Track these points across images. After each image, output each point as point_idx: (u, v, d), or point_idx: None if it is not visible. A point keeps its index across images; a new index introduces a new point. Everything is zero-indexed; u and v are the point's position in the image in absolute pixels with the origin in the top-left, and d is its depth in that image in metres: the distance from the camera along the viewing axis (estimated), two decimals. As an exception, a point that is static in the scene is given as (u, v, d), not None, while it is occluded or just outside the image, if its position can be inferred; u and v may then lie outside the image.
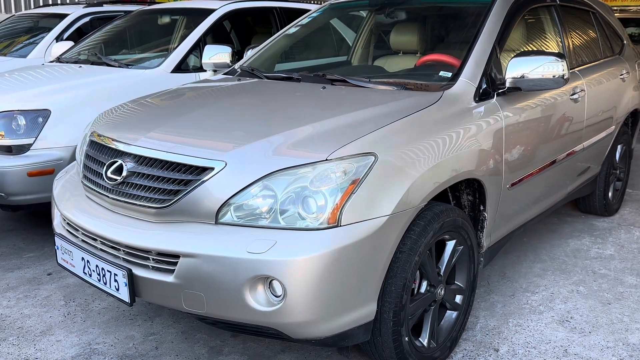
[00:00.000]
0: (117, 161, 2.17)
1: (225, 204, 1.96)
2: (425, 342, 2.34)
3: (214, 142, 2.13)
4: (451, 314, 2.52)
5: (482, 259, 2.72)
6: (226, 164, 1.99)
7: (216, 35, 4.89)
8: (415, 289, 2.30)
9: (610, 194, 4.24)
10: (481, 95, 2.58)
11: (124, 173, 2.12)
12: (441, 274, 2.37)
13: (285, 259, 1.82)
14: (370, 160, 1.99)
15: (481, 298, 3.05)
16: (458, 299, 2.53)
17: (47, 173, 3.42)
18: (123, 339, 2.70)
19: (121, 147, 2.23)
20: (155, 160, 2.09)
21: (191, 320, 2.83)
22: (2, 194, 3.39)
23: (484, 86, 2.61)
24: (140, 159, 2.14)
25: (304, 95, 2.61)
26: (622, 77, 4.04)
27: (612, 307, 2.96)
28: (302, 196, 1.93)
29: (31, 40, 6.16)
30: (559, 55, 2.60)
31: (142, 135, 2.24)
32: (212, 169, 1.99)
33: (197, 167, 2.01)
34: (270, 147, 2.05)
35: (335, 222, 1.89)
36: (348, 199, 1.92)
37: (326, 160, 1.96)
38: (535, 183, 2.98)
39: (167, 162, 2.06)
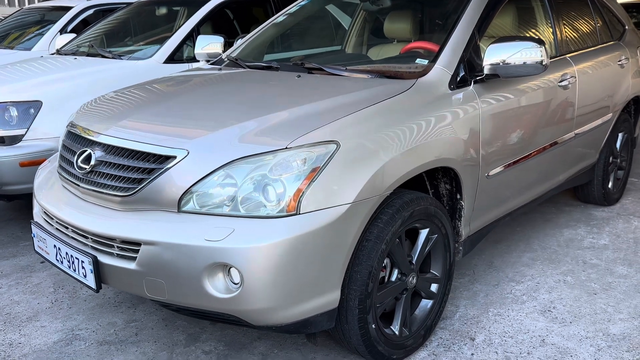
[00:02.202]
0: (86, 150, 2.21)
1: (187, 192, 1.98)
2: (396, 330, 2.34)
3: (179, 130, 2.15)
4: (426, 303, 2.51)
5: (460, 248, 2.70)
6: (188, 153, 2.01)
7: (218, 24, 4.89)
8: (386, 277, 2.29)
9: (610, 183, 4.16)
10: (458, 83, 2.54)
11: (92, 162, 2.15)
12: (413, 262, 2.36)
13: (241, 246, 1.84)
14: (331, 148, 1.98)
15: (464, 287, 3.03)
16: (433, 287, 2.52)
17: (38, 163, 3.45)
18: (105, 325, 2.75)
19: (92, 136, 2.26)
20: (122, 149, 2.12)
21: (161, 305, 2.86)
22: (-4, 184, 3.48)
23: (462, 73, 2.57)
24: (108, 148, 2.17)
25: (277, 84, 2.61)
26: (620, 63, 3.94)
27: (598, 298, 2.91)
28: (263, 184, 1.94)
29: (36, 33, 6.26)
30: (538, 41, 2.55)
31: (112, 124, 2.26)
32: (175, 157, 2.01)
33: (160, 156, 2.03)
34: (233, 136, 2.06)
35: (294, 210, 1.90)
36: (308, 187, 1.92)
37: (286, 148, 1.96)
38: (518, 172, 2.94)
39: (132, 150, 2.09)
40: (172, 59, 4.24)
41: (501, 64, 2.54)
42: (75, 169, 2.22)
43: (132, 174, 2.06)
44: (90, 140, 2.26)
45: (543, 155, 3.11)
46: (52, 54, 4.89)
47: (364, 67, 2.68)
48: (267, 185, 1.93)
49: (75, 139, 2.37)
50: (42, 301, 2.99)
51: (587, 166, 3.83)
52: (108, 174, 2.11)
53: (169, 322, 2.76)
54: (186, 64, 4.29)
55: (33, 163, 3.47)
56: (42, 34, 6.17)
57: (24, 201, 4.31)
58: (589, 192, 4.13)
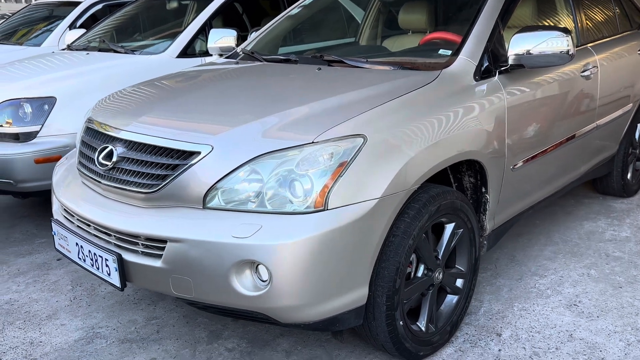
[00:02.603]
0: (107, 146, 2.17)
1: (212, 188, 1.94)
2: (422, 326, 2.30)
3: (202, 125, 2.11)
4: (452, 298, 2.47)
5: (485, 242, 2.65)
6: (213, 148, 1.97)
7: (228, 18, 4.85)
8: (412, 273, 2.26)
9: (629, 175, 4.10)
10: (482, 74, 2.49)
11: (114, 158, 2.12)
12: (439, 257, 2.32)
13: (269, 243, 1.80)
14: (359, 142, 1.94)
15: (487, 282, 2.98)
16: (459, 282, 2.48)
17: (54, 160, 3.45)
18: (126, 322, 2.72)
19: (112, 132, 2.22)
20: (144, 145, 2.08)
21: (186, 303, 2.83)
22: (11, 181, 3.45)
23: (486, 64, 2.52)
24: (130, 144, 2.13)
25: (298, 77, 2.56)
26: (640, 52, 3.87)
27: (624, 291, 2.86)
28: (289, 179, 1.90)
29: (45, 28, 6.23)
30: (564, 30, 2.49)
31: (133, 120, 2.23)
32: (199, 153, 1.97)
33: (184, 152, 2.00)
34: (257, 130, 2.02)
35: (322, 206, 1.86)
36: (335, 182, 1.87)
37: (313, 142, 1.92)
38: (542, 164, 2.89)
39: (155, 146, 2.05)
40: (185, 53, 4.20)
41: (526, 54, 2.48)
42: (96, 165, 2.19)
43: (155, 170, 2.02)
44: (111, 137, 2.22)
45: (566, 147, 3.06)
46: (63, 50, 4.86)
47: (386, 59, 2.63)
48: (293, 181, 1.89)
49: (95, 135, 2.33)
50: (60, 299, 2.97)
51: (606, 157, 3.77)
52: (131, 170, 2.08)
53: (190, 319, 2.73)
54: (199, 58, 4.25)
55: (48, 160, 3.44)
56: (50, 30, 6.14)
57: (37, 198, 4.31)
58: (607, 184, 4.07)
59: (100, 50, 4.40)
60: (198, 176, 1.96)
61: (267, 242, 1.80)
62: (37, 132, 3.47)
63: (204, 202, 1.96)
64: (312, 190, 1.86)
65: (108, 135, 2.24)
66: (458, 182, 2.59)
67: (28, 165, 3.42)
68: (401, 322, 2.14)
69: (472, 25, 2.59)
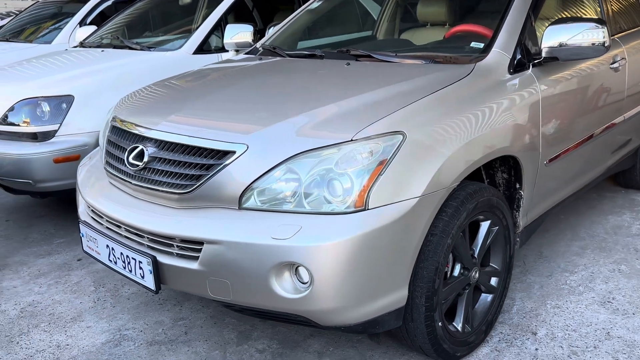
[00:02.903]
0: (138, 146, 2.12)
1: (248, 188, 1.89)
2: (459, 327, 2.25)
3: (235, 124, 2.05)
4: (486, 297, 2.42)
5: (518, 239, 2.60)
6: (248, 147, 1.92)
7: (238, 14, 4.79)
8: (448, 272, 2.21)
9: (652, 168, 4.03)
10: (515, 67, 2.43)
11: (146, 159, 2.07)
12: (475, 256, 2.27)
13: (311, 244, 1.75)
14: (398, 139, 1.89)
15: (517, 279, 2.93)
16: (493, 281, 2.43)
17: (72, 159, 3.41)
18: (152, 324, 2.68)
19: (142, 131, 2.17)
20: (176, 144, 2.03)
21: (220, 305, 2.79)
22: (30, 181, 3.41)
23: (519, 57, 2.46)
24: (161, 144, 2.08)
25: (327, 72, 2.50)
26: (665, 42, 3.79)
27: (657, 287, 2.81)
28: (327, 179, 1.84)
29: (55, 26, 6.17)
30: (599, 22, 2.43)
31: (162, 119, 2.18)
32: (234, 152, 1.92)
33: (218, 151, 1.95)
34: (293, 128, 1.96)
35: (362, 206, 1.81)
36: (375, 181, 1.82)
37: (352, 140, 1.86)
38: (573, 158, 2.83)
39: (188, 146, 2.00)
40: (201, 49, 4.14)
41: (561, 46, 2.42)
42: (126, 165, 2.14)
43: (189, 170, 1.97)
44: (140, 136, 2.17)
45: (596, 140, 3.00)
46: (75, 47, 4.80)
47: (416, 53, 2.57)
48: (332, 180, 1.84)
49: (123, 135, 2.28)
50: (84, 300, 2.93)
51: (631, 150, 3.71)
52: (163, 170, 2.03)
53: (217, 319, 2.69)
54: (215, 55, 4.19)
55: (67, 159, 3.40)
56: (60, 27, 6.09)
57: (54, 198, 4.27)
58: (630, 177, 4.01)
59: (115, 47, 4.34)
60: (233, 176, 1.91)
61: (308, 243, 1.75)
62: (56, 131, 3.43)
63: (239, 202, 1.91)
64: (352, 190, 1.81)
65: (137, 135, 2.19)
66: (490, 179, 2.54)
67: (47, 165, 3.38)
68: (440, 323, 2.10)
69: (504, 17, 2.53)
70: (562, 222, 3.62)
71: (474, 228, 2.29)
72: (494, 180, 2.53)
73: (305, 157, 1.87)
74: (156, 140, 2.10)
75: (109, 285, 3.07)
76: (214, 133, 2.00)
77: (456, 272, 2.21)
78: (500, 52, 2.40)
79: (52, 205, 4.32)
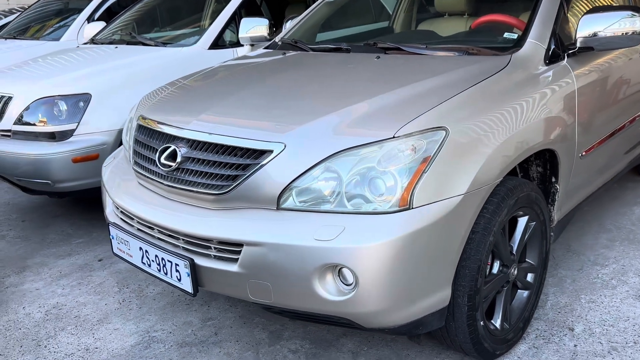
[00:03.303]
0: (170, 146, 2.07)
1: (287, 188, 1.84)
2: (498, 325, 2.21)
3: (270, 122, 2.00)
4: (522, 294, 2.38)
5: (552, 233, 2.55)
6: (285, 146, 1.87)
7: (247, 8, 4.72)
8: (487, 270, 2.16)
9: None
10: (551, 58, 2.37)
11: (179, 159, 2.02)
12: (514, 252, 2.22)
13: (356, 245, 1.70)
14: (441, 135, 1.83)
15: (548, 273, 2.88)
16: (529, 277, 2.38)
17: (91, 158, 3.37)
18: (181, 325, 2.65)
19: (172, 131, 2.12)
20: (211, 144, 1.98)
21: (248, 304, 2.76)
22: (49, 182, 3.36)
23: (553, 47, 2.40)
24: (194, 144, 2.03)
25: (357, 67, 2.44)
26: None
27: (692, 280, 2.77)
28: (369, 177, 1.79)
29: (62, 22, 6.10)
30: (635, 9, 2.37)
31: (193, 117, 2.12)
32: (271, 151, 1.87)
33: (255, 150, 1.89)
34: (330, 126, 1.91)
35: (406, 205, 1.76)
36: (419, 179, 1.77)
37: (393, 137, 1.81)
38: (606, 149, 2.78)
39: (222, 145, 1.95)
40: (216, 44, 4.07)
41: (596, 36, 2.36)
42: (157, 166, 2.09)
43: (225, 170, 1.92)
44: (171, 135, 2.11)
45: (627, 130, 2.95)
46: (86, 44, 4.74)
47: (448, 45, 2.50)
48: (374, 179, 1.79)
49: (152, 134, 2.23)
50: (109, 302, 2.89)
51: (656, 140, 3.65)
52: (197, 171, 1.98)
53: (246, 319, 2.65)
54: (230, 49, 4.13)
55: (86, 158, 3.36)
56: (67, 25, 6.01)
57: (70, 197, 4.23)
58: (653, 167, 3.96)
59: (128, 43, 4.27)
60: (271, 176, 1.86)
61: (353, 244, 1.70)
62: (74, 130, 3.37)
63: (278, 202, 1.86)
64: (396, 189, 1.76)
65: (167, 134, 2.14)
66: (524, 173, 2.48)
67: (66, 165, 3.33)
68: (482, 322, 2.05)
69: (537, 6, 2.47)
70: (587, 214, 3.57)
71: (512, 224, 2.25)
72: (528, 174, 2.48)
73: (345, 155, 1.82)
74: (188, 140, 2.04)
75: (133, 285, 3.03)
76: (249, 132, 1.94)
77: (495, 270, 2.16)
78: (536, 43, 2.34)
79: (68, 204, 4.28)
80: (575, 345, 2.33)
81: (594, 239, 3.25)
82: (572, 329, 2.44)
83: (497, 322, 2.22)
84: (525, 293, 2.38)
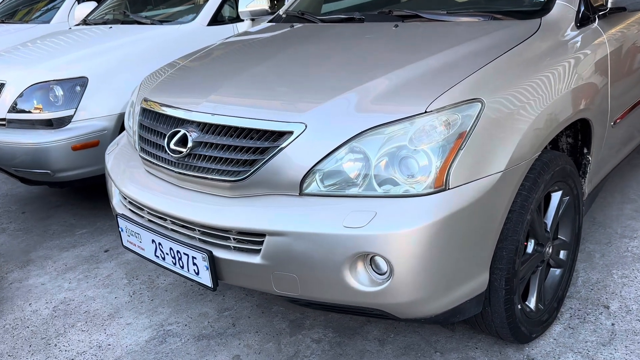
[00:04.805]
0: (179, 131, 1.91)
1: (310, 172, 1.70)
2: (533, 306, 2.10)
3: (287, 101, 1.84)
4: (554, 272, 2.26)
5: (583, 207, 2.42)
6: (306, 127, 1.72)
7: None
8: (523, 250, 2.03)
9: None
10: (581, 20, 2.21)
11: (190, 144, 1.86)
12: (548, 229, 2.09)
13: (390, 232, 1.57)
14: (476, 108, 1.68)
15: (576, 248, 2.77)
16: (562, 254, 2.26)
17: (92, 145, 3.21)
18: (196, 317, 2.53)
19: (181, 114, 1.96)
20: (224, 127, 1.82)
21: (264, 292, 2.63)
22: (48, 172, 3.21)
23: (583, 9, 2.24)
24: (205, 127, 1.87)
25: (376, 37, 2.27)
26: None
27: None
28: (400, 157, 1.65)
29: (52, 4, 5.86)
30: (672, -36, 2.20)
31: (202, 98, 1.96)
32: (291, 132, 1.72)
33: (273, 132, 1.74)
34: (354, 103, 1.76)
35: (442, 185, 1.62)
36: (456, 157, 1.63)
37: (425, 112, 1.66)
38: (635, 117, 2.64)
39: (237, 128, 1.80)
40: (215, 20, 3.88)
41: (629, -6, 2.20)
42: (167, 152, 1.94)
43: (241, 155, 1.77)
44: (180, 119, 1.96)
45: (655, 97, 2.79)
46: (78, 25, 4.53)
47: (471, 10, 2.33)
48: (406, 158, 1.65)
49: (158, 118, 2.07)
50: (119, 295, 2.77)
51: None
52: (211, 156, 1.83)
53: (264, 308, 2.53)
54: (230, 25, 3.94)
55: (86, 145, 3.20)
56: (56, 7, 5.78)
57: (72, 187, 4.07)
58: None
59: (122, 22, 4.07)
60: (292, 159, 1.71)
61: (386, 231, 1.57)
62: (71, 116, 3.20)
63: (300, 187, 1.72)
64: (430, 168, 1.62)
65: (175, 118, 1.98)
66: (552, 144, 2.34)
67: (65, 153, 3.17)
68: (519, 306, 1.94)
69: (564, -34, 2.29)
70: (608, 184, 3.45)
71: (545, 201, 2.11)
72: (557, 146, 2.34)
73: (373, 134, 1.67)
74: (199, 123, 1.89)
75: (142, 277, 2.91)
76: (266, 112, 1.79)
77: (530, 249, 2.04)
78: (566, 5, 2.18)
79: (69, 194, 4.13)
80: (612, 324, 2.22)
81: (618, 209, 3.13)
82: (608, 307, 2.33)
83: (531, 303, 2.10)
84: (558, 271, 2.26)
